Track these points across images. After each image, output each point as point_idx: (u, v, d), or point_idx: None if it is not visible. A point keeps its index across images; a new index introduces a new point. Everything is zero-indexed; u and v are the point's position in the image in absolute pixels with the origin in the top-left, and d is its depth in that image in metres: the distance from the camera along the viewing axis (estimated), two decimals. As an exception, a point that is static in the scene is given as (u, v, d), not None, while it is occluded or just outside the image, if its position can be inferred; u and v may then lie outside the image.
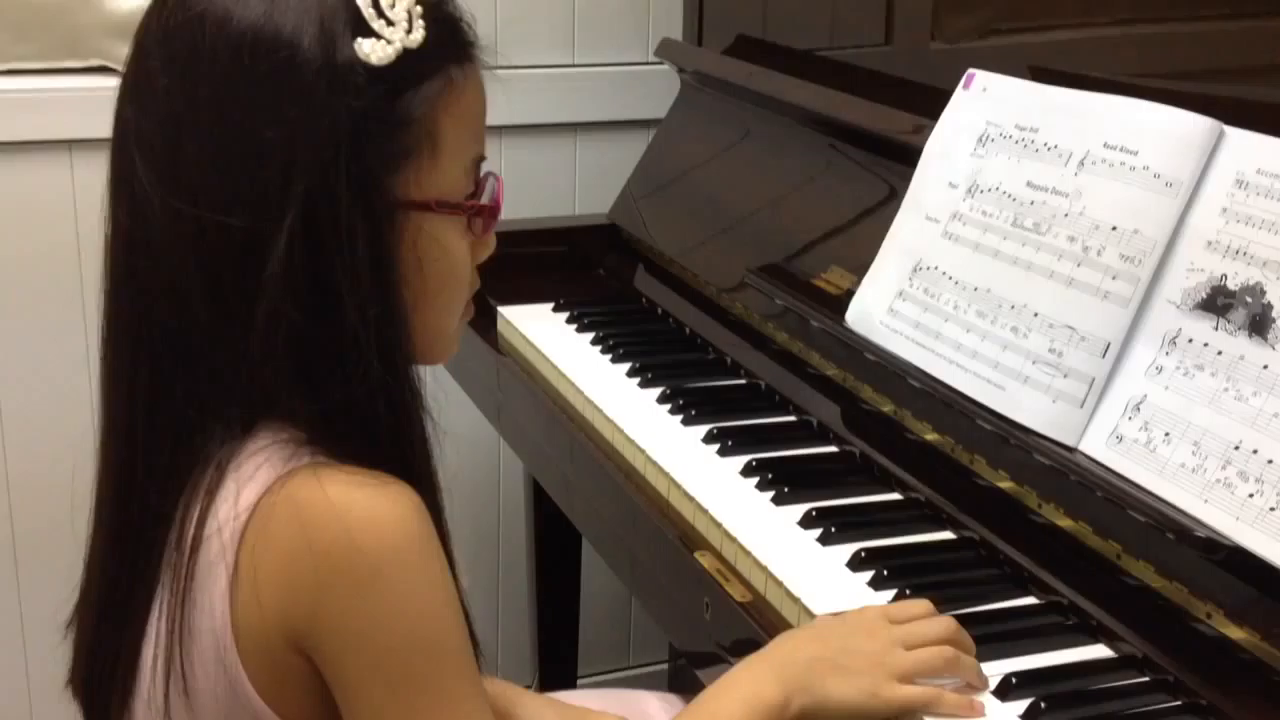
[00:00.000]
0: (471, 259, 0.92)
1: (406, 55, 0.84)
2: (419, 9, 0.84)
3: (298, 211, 0.80)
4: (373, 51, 0.82)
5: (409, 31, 0.84)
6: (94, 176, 1.81)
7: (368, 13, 0.83)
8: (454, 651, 0.84)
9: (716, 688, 0.94)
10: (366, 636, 0.81)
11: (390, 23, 0.83)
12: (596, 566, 1.95)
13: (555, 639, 1.97)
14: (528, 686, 1.28)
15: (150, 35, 0.85)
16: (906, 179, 1.30)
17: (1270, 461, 0.92)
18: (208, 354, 0.84)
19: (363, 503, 0.80)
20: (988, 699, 0.93)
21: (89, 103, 1.76)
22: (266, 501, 0.82)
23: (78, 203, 1.84)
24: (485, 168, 0.92)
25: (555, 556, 1.93)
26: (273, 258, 0.80)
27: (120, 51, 1.79)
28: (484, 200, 0.91)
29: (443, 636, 0.83)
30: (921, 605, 0.98)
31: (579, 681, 2.00)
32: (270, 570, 0.81)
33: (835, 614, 1.00)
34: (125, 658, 0.88)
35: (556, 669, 1.96)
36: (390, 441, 0.85)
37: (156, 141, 0.83)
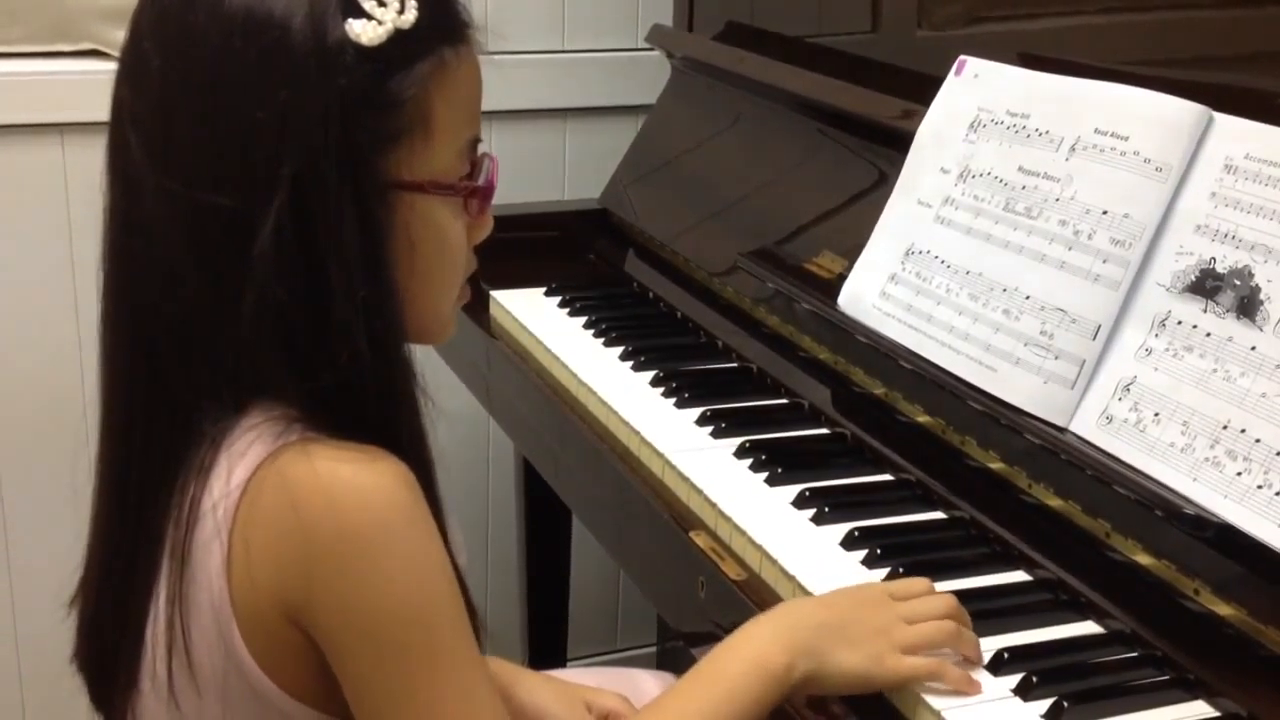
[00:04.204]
0: (468, 241, 0.93)
1: (398, 36, 0.83)
2: None
3: (286, 193, 0.80)
4: (363, 32, 0.82)
5: (401, 12, 0.84)
6: (85, 160, 1.83)
7: None
8: (447, 623, 0.84)
9: (722, 649, 0.94)
10: (356, 609, 0.81)
11: (382, 3, 0.83)
12: (583, 550, 1.96)
13: (545, 620, 1.97)
14: (517, 667, 1.29)
15: (145, 15, 0.86)
16: (895, 164, 1.31)
17: (1258, 440, 0.94)
18: (201, 333, 0.84)
19: (349, 476, 0.81)
20: (980, 673, 0.95)
21: (80, 86, 1.76)
22: (258, 478, 0.82)
23: (69, 187, 1.84)
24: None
25: (545, 537, 1.93)
26: (261, 239, 0.80)
27: (111, 35, 1.79)
28: (479, 181, 0.91)
29: (434, 608, 0.83)
30: (921, 583, 1.00)
31: (568, 663, 2.01)
32: (261, 546, 0.82)
33: (839, 588, 1.01)
34: (130, 633, 0.88)
35: (546, 650, 1.97)
36: (381, 420, 0.85)
37: (150, 122, 0.84)
